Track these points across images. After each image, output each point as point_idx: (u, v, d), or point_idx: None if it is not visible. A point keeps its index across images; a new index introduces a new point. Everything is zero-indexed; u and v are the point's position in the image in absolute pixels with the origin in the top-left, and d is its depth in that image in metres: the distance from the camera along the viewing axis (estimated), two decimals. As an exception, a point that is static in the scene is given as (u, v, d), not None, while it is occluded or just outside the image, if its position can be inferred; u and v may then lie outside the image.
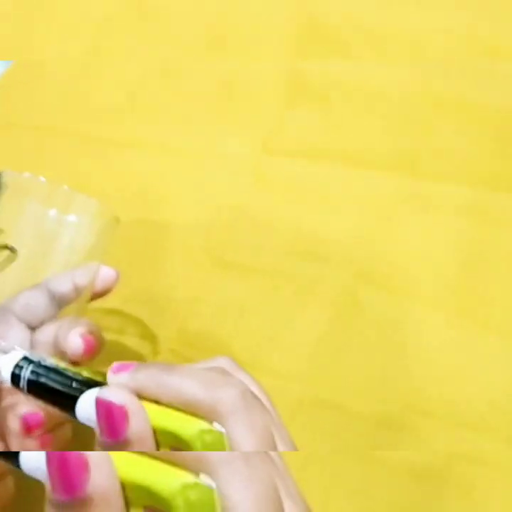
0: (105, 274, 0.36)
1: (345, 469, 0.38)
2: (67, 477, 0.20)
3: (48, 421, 0.33)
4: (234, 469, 0.21)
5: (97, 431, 0.24)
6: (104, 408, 0.24)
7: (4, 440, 0.36)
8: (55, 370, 0.28)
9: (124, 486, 0.21)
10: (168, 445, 0.24)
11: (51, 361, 0.29)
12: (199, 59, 0.59)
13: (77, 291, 0.34)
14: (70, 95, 0.59)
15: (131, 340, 0.45)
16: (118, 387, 0.25)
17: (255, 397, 0.26)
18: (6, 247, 0.32)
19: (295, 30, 0.59)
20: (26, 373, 0.28)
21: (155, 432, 0.24)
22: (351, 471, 0.38)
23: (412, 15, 0.57)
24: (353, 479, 0.38)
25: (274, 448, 0.24)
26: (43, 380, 0.28)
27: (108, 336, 0.38)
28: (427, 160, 0.50)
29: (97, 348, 0.35)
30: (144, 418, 0.24)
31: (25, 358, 0.29)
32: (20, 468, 0.23)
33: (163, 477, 0.21)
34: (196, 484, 0.20)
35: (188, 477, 0.21)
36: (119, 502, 0.21)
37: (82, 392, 0.26)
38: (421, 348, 0.41)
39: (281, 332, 0.43)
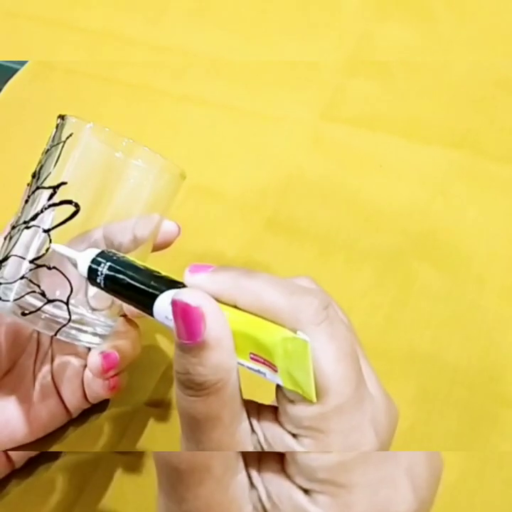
0: (167, 227, 0.36)
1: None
2: (188, 325, 0.23)
3: (122, 362, 0.35)
4: (321, 328, 0.23)
5: (174, 332, 0.24)
6: (180, 309, 0.23)
7: (59, 392, 0.37)
8: (134, 267, 0.27)
9: (234, 335, 0.24)
10: (246, 350, 0.24)
11: (130, 259, 0.28)
12: (266, 28, 0.58)
13: (136, 242, 0.34)
14: (133, 50, 0.59)
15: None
16: (195, 288, 0.25)
17: (339, 312, 0.25)
18: (69, 202, 0.32)
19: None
20: (104, 268, 0.27)
21: (234, 335, 0.24)
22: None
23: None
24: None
25: (358, 362, 0.24)
26: (121, 276, 0.27)
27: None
28: (487, 139, 0.49)
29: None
30: (221, 320, 0.24)
31: (102, 254, 0.28)
32: (155, 318, 0.26)
33: (267, 330, 0.23)
34: (294, 338, 0.22)
35: (287, 332, 0.23)
36: (231, 346, 0.23)
37: (161, 291, 0.26)
38: (471, 324, 0.41)
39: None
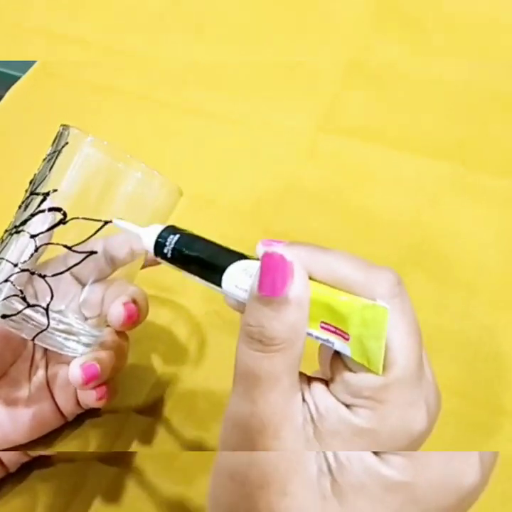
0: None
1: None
2: (277, 278, 0.24)
3: (103, 374, 0.35)
4: (395, 302, 0.23)
5: (255, 285, 0.24)
6: (273, 262, 0.24)
7: (53, 397, 0.38)
8: (202, 240, 0.28)
9: (312, 304, 0.24)
10: (318, 319, 0.24)
11: (195, 234, 0.28)
12: (265, 39, 0.59)
13: (133, 255, 0.34)
14: (133, 59, 0.60)
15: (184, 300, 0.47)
16: (284, 249, 0.25)
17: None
18: (58, 209, 0.32)
19: (368, 9, 0.59)
20: (173, 240, 0.28)
21: (312, 303, 0.24)
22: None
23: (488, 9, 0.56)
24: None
25: (421, 338, 0.24)
26: (190, 249, 0.27)
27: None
28: (478, 151, 0.50)
29: (139, 317, 0.36)
30: (306, 281, 0.24)
31: (169, 228, 0.28)
32: (222, 287, 0.26)
33: (345, 298, 0.24)
34: (374, 306, 0.23)
35: (366, 300, 0.23)
36: (307, 310, 0.24)
37: (232, 261, 0.26)
38: (461, 333, 0.41)
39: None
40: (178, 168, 0.51)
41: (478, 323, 0.42)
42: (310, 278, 0.25)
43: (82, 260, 0.32)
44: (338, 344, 0.24)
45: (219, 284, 0.27)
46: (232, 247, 0.27)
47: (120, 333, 0.37)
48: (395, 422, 0.23)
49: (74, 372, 0.34)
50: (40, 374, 0.38)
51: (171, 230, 0.28)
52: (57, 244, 0.32)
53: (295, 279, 0.24)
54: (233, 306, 0.27)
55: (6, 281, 0.32)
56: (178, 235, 0.28)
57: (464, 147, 0.50)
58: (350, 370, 0.24)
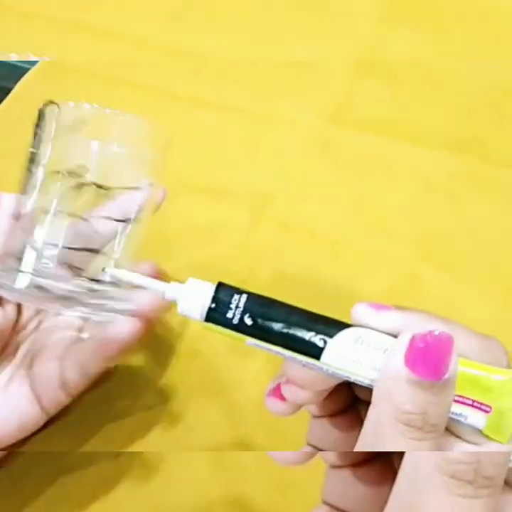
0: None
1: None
2: (440, 361, 0.22)
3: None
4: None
5: (398, 368, 0.22)
6: (433, 343, 0.22)
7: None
8: (277, 302, 0.22)
9: None
10: (457, 392, 0.23)
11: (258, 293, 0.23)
12: (277, 33, 0.59)
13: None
14: (144, 51, 0.60)
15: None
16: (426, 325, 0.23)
17: None
18: (90, 184, 0.32)
19: (382, 1, 0.58)
20: (240, 302, 0.22)
21: None
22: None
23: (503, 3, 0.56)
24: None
25: None
26: (268, 314, 0.22)
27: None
28: (493, 145, 0.50)
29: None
30: (457, 356, 0.22)
31: (225, 287, 0.22)
32: (322, 363, 0.23)
33: (492, 371, 0.23)
34: None
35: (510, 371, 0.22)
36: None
37: (335, 329, 0.23)
38: (475, 326, 0.41)
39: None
40: (188, 161, 0.51)
41: (493, 318, 0.41)
42: None
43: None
44: (471, 417, 0.23)
45: (315, 356, 0.22)
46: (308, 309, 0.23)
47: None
48: None
49: (123, 325, 0.33)
50: (16, 364, 0.37)
51: (228, 289, 0.22)
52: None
53: (453, 356, 0.22)
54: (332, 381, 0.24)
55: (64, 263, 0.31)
56: (245, 295, 0.22)
57: (477, 141, 0.50)
58: (467, 440, 0.23)
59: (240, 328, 0.22)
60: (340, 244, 0.46)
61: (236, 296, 0.22)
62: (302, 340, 0.22)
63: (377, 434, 0.22)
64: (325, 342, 0.22)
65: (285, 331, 0.22)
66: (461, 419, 0.23)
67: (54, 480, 0.39)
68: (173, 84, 0.57)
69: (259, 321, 0.22)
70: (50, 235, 0.32)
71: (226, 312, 0.22)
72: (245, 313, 0.22)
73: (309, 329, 0.22)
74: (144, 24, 0.61)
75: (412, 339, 0.22)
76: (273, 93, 0.55)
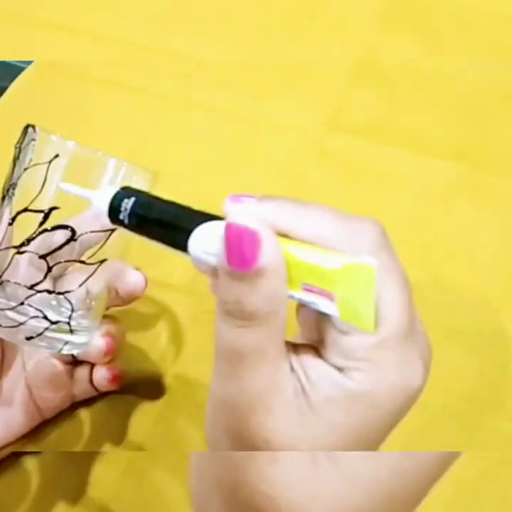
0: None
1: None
2: (244, 251, 0.22)
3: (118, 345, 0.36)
4: (381, 256, 0.22)
5: (223, 262, 0.22)
6: (236, 234, 0.22)
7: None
8: (162, 201, 0.25)
9: (286, 265, 0.22)
10: (299, 281, 0.22)
11: (153, 194, 0.26)
12: (272, 36, 0.59)
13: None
14: (138, 53, 0.59)
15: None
16: (251, 213, 0.23)
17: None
18: (65, 227, 0.31)
19: (379, 6, 0.58)
20: (128, 204, 0.25)
21: (287, 265, 0.22)
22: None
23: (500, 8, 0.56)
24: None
25: (411, 290, 0.23)
26: (149, 212, 0.25)
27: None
28: (488, 151, 0.50)
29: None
30: (278, 247, 0.22)
31: (123, 190, 0.26)
32: (188, 253, 0.24)
33: (327, 256, 0.22)
34: (360, 263, 0.21)
35: (350, 257, 0.22)
36: (284, 276, 0.22)
37: (197, 223, 0.24)
38: (468, 336, 0.41)
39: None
40: (182, 165, 0.51)
41: (487, 327, 0.41)
42: (286, 236, 0.23)
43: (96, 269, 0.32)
44: (324, 305, 0.23)
45: (185, 250, 0.24)
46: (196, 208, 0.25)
47: (114, 321, 0.37)
48: (393, 382, 0.22)
49: (96, 343, 0.35)
50: (16, 378, 0.37)
51: (126, 192, 0.26)
52: (74, 260, 0.32)
53: (264, 245, 0.22)
54: (204, 271, 0.25)
55: (22, 304, 0.32)
56: (134, 198, 0.25)
57: (475, 148, 0.50)
58: (341, 331, 0.22)
59: (129, 227, 0.25)
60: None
61: (126, 200, 0.25)
62: (174, 234, 0.24)
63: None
64: (189, 235, 0.24)
65: (161, 228, 0.24)
66: (315, 307, 0.23)
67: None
68: (167, 87, 0.57)
69: (141, 220, 0.25)
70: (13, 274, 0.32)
71: (118, 214, 0.25)
72: (132, 215, 0.25)
73: (181, 224, 0.24)
74: (139, 27, 0.61)
75: (225, 231, 0.22)
76: (269, 98, 0.55)
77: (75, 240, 0.31)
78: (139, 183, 0.32)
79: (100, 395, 0.39)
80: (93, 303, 0.34)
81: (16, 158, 0.32)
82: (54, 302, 0.32)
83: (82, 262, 0.32)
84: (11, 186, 0.32)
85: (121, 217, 0.25)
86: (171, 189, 0.46)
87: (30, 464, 0.38)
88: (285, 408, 0.23)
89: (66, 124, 0.54)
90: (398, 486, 0.22)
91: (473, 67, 0.54)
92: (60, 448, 0.39)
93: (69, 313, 0.32)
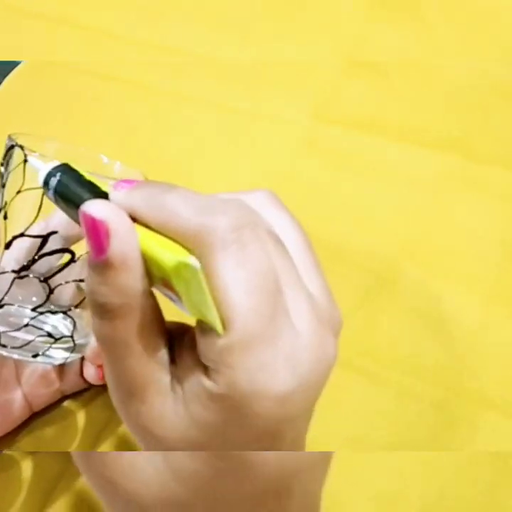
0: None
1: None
2: (94, 240, 0.22)
3: None
4: (228, 253, 0.21)
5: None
6: (87, 222, 0.22)
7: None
8: (78, 181, 0.25)
9: (148, 258, 0.22)
10: (159, 276, 0.22)
11: (84, 174, 0.26)
12: (263, 32, 0.59)
13: None
14: (131, 47, 0.60)
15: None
16: (106, 201, 0.23)
17: (265, 235, 0.22)
18: (64, 250, 0.32)
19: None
20: (54, 182, 0.26)
21: (146, 258, 0.22)
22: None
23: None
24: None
25: (274, 293, 0.21)
26: (65, 190, 0.25)
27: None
28: (479, 142, 0.50)
29: None
30: (128, 238, 0.22)
31: (59, 167, 0.26)
32: None
33: (167, 253, 0.21)
34: (185, 263, 0.21)
35: (180, 256, 0.21)
36: (138, 268, 0.22)
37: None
38: (456, 326, 0.41)
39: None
40: (173, 157, 0.52)
41: (474, 317, 0.42)
42: (148, 227, 0.22)
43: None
44: (177, 302, 0.22)
45: None
46: (105, 188, 0.25)
47: None
48: (245, 387, 0.21)
49: (95, 344, 0.35)
50: (7, 373, 0.37)
51: (59, 169, 0.26)
52: (72, 281, 0.32)
53: (114, 237, 0.21)
54: None
55: (27, 325, 0.32)
56: (58, 177, 0.26)
57: (465, 138, 0.50)
58: (200, 330, 0.22)
59: (55, 202, 0.26)
60: (319, 241, 0.46)
61: (53, 178, 0.26)
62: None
63: None
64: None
65: (73, 208, 0.24)
66: (175, 303, 0.23)
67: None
68: (159, 82, 0.57)
69: (61, 198, 0.25)
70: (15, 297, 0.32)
71: (49, 190, 0.26)
72: (55, 192, 0.26)
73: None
74: (130, 21, 0.61)
75: (81, 220, 0.22)
76: (259, 90, 0.55)
77: (75, 262, 0.31)
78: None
79: (90, 388, 0.40)
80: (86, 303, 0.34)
81: (3, 178, 0.32)
82: (54, 316, 0.33)
83: (82, 281, 0.32)
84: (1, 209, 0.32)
85: (49, 193, 0.26)
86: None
87: (27, 463, 0.39)
88: (159, 398, 0.23)
89: (56, 120, 0.54)
90: (218, 483, 0.23)
91: (463, 57, 0.54)
92: (56, 447, 0.39)
93: (70, 326, 0.33)
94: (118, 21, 0.61)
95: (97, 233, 0.21)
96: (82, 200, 0.23)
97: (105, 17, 0.62)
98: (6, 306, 0.32)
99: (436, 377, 0.40)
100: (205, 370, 0.22)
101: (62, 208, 0.26)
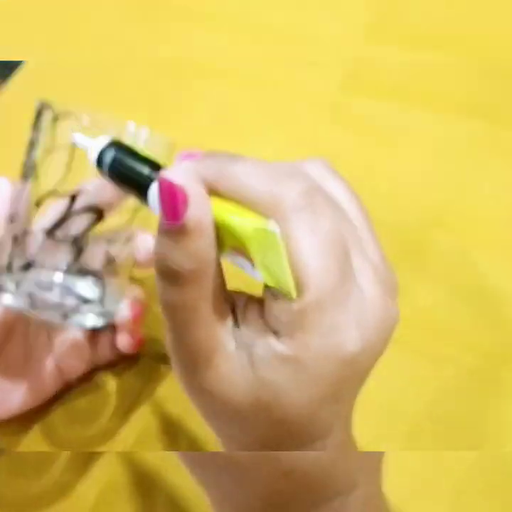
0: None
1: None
2: (170, 206, 0.22)
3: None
4: (301, 219, 0.21)
5: (159, 216, 0.23)
6: (165, 188, 0.22)
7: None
8: (134, 156, 0.26)
9: (218, 227, 0.22)
10: (229, 242, 0.22)
11: (137, 149, 0.26)
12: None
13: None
14: (153, 19, 0.59)
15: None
16: (184, 169, 0.23)
17: (330, 200, 0.23)
18: (92, 209, 0.32)
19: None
20: (108, 159, 0.26)
21: (218, 225, 0.22)
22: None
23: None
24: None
25: (344, 255, 0.22)
26: (121, 167, 0.26)
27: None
28: (506, 109, 0.49)
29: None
30: (204, 205, 0.22)
31: (111, 145, 0.26)
32: (147, 203, 0.25)
33: (242, 219, 0.22)
34: (263, 229, 0.21)
35: (259, 222, 0.21)
36: (211, 234, 0.22)
37: (153, 179, 0.25)
38: (486, 293, 0.41)
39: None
40: (197, 130, 0.51)
41: (502, 283, 0.41)
42: (218, 195, 0.23)
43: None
44: (249, 269, 0.23)
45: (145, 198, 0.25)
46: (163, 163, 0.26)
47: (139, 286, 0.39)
48: (317, 349, 0.22)
49: (124, 312, 0.36)
50: (41, 343, 0.38)
51: (112, 146, 0.26)
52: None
53: (191, 203, 0.22)
54: None
55: (57, 287, 0.32)
56: (112, 153, 0.26)
57: (492, 105, 0.49)
58: (271, 294, 0.22)
59: (111, 180, 0.26)
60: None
61: (108, 154, 0.26)
62: (139, 189, 0.25)
63: None
64: (149, 185, 0.25)
65: (131, 182, 0.26)
66: (246, 270, 0.23)
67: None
68: (184, 52, 0.56)
69: (117, 174, 0.26)
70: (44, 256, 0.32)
71: (102, 167, 0.26)
72: (110, 169, 0.26)
73: (144, 179, 0.25)
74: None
75: (158, 185, 0.22)
76: (283, 59, 0.55)
77: (102, 220, 0.32)
78: (158, 149, 0.33)
79: (122, 360, 0.40)
80: (119, 270, 0.34)
81: (32, 139, 0.32)
82: (84, 280, 0.33)
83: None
84: (29, 167, 0.33)
85: (103, 169, 0.26)
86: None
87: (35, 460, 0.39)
88: (226, 362, 0.23)
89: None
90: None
91: (493, 23, 0.53)
92: (88, 418, 0.40)
93: (100, 290, 0.33)
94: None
95: (174, 199, 0.22)
96: (144, 175, 0.25)
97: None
98: (36, 267, 0.32)
99: (473, 344, 0.39)
100: (275, 333, 0.22)
101: (117, 185, 0.26)
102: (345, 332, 0.22)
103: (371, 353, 0.23)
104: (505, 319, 0.40)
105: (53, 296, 0.32)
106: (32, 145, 0.32)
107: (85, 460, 0.38)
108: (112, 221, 0.33)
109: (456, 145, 0.48)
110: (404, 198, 0.46)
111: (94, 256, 0.33)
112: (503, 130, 0.48)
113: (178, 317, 0.23)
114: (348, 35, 0.55)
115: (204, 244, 0.22)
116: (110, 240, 0.33)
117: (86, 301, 0.33)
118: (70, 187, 0.32)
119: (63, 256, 0.32)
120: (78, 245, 0.32)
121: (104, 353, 0.39)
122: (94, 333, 0.39)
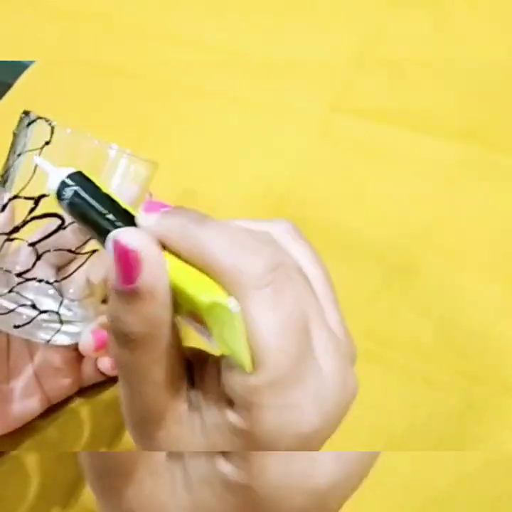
0: None
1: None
2: (123, 269, 0.21)
3: None
4: (262, 296, 0.21)
5: (111, 276, 0.22)
6: (118, 250, 0.21)
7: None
8: (96, 196, 0.25)
9: (176, 289, 0.22)
10: (186, 307, 0.22)
11: (100, 186, 0.25)
12: (278, 22, 0.59)
13: None
14: (142, 40, 0.59)
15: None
16: (139, 229, 0.22)
17: (295, 275, 0.22)
18: (54, 215, 0.31)
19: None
20: (70, 192, 0.25)
21: (176, 290, 0.22)
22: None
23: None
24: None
25: (304, 335, 0.22)
26: (82, 205, 0.25)
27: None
28: (495, 132, 0.49)
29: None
30: (158, 270, 0.21)
31: (74, 175, 0.25)
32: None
33: (201, 289, 0.21)
34: (222, 305, 0.21)
35: (218, 296, 0.21)
36: (166, 299, 0.22)
37: (115, 227, 0.23)
38: (474, 315, 0.41)
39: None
40: (187, 148, 0.51)
41: (490, 306, 0.41)
42: (181, 258, 0.22)
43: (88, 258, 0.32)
44: (206, 336, 0.22)
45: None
46: (126, 206, 0.25)
47: None
48: (270, 426, 0.21)
49: (85, 338, 0.34)
50: (23, 365, 0.38)
51: (75, 178, 0.25)
52: (61, 249, 0.32)
53: (145, 267, 0.21)
54: None
55: (11, 291, 0.32)
56: (75, 188, 0.25)
57: (480, 128, 0.49)
58: (227, 364, 0.22)
59: (69, 214, 0.26)
60: (335, 230, 0.46)
61: (68, 189, 0.25)
62: (98, 232, 0.24)
63: None
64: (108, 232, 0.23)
65: (89, 224, 0.25)
66: (202, 336, 0.22)
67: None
68: (172, 74, 0.57)
69: (76, 212, 0.25)
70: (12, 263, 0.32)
71: (63, 199, 0.25)
72: (70, 204, 0.25)
73: (104, 223, 0.24)
74: (141, 12, 0.61)
75: (112, 246, 0.22)
76: (273, 81, 0.55)
77: (64, 228, 0.31)
78: (140, 173, 0.33)
79: (108, 380, 0.40)
80: (91, 292, 0.34)
81: (11, 144, 0.32)
82: (51, 291, 0.33)
83: (71, 251, 0.32)
84: (5, 172, 0.32)
85: (64, 203, 0.25)
86: (177, 175, 0.46)
87: (30, 463, 0.39)
88: (177, 426, 0.23)
89: (72, 113, 0.54)
90: None
91: (482, 45, 0.53)
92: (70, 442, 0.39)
93: (60, 302, 0.32)
94: (129, 14, 0.61)
95: (127, 262, 0.21)
96: (105, 224, 0.24)
97: (116, 9, 0.61)
98: None
99: (458, 366, 0.39)
100: (229, 403, 0.22)
101: (75, 219, 0.26)
102: (301, 411, 0.21)
103: (329, 428, 0.22)
104: (494, 340, 0.40)
105: (5, 302, 0.32)
106: (11, 151, 0.32)
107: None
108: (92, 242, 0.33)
109: (445, 167, 0.48)
110: (393, 219, 0.46)
111: (73, 281, 0.33)
112: (491, 153, 0.48)
113: (129, 377, 0.23)
114: (337, 58, 0.55)
115: (157, 308, 0.22)
116: (90, 261, 0.33)
117: (41, 311, 0.32)
118: (35, 192, 0.31)
119: (24, 261, 0.32)
120: (36, 249, 0.32)
121: (88, 374, 0.39)
122: (78, 354, 0.39)
